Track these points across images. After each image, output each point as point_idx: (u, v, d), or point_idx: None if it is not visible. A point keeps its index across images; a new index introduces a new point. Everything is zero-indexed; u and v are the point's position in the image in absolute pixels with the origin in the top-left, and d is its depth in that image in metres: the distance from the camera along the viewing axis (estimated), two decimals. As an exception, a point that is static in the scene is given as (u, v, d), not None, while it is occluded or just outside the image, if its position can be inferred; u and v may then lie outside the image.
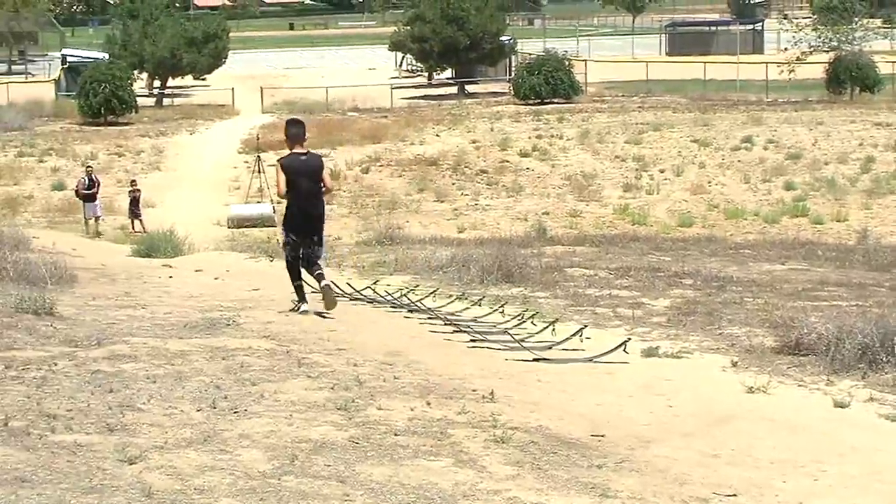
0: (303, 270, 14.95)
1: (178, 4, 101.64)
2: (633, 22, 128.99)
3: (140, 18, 69.91)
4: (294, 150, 14.88)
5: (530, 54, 69.03)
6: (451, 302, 16.27)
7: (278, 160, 15.40)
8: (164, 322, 13.46)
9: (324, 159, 15.87)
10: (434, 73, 75.92)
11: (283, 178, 14.70)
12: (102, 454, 7.74)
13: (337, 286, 17.59)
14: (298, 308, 14.74)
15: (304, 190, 14.67)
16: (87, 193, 36.69)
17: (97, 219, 36.51)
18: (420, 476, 7.73)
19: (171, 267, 20.98)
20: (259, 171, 39.41)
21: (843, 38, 60.72)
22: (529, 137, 49.98)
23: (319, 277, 14.71)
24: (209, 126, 57.20)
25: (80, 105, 57.93)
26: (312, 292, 15.39)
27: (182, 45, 67.54)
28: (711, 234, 32.37)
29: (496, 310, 15.42)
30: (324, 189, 14.97)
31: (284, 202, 15.17)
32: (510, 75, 69.37)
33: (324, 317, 14.56)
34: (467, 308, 15.80)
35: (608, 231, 34.59)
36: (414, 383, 10.63)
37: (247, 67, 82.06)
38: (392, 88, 66.04)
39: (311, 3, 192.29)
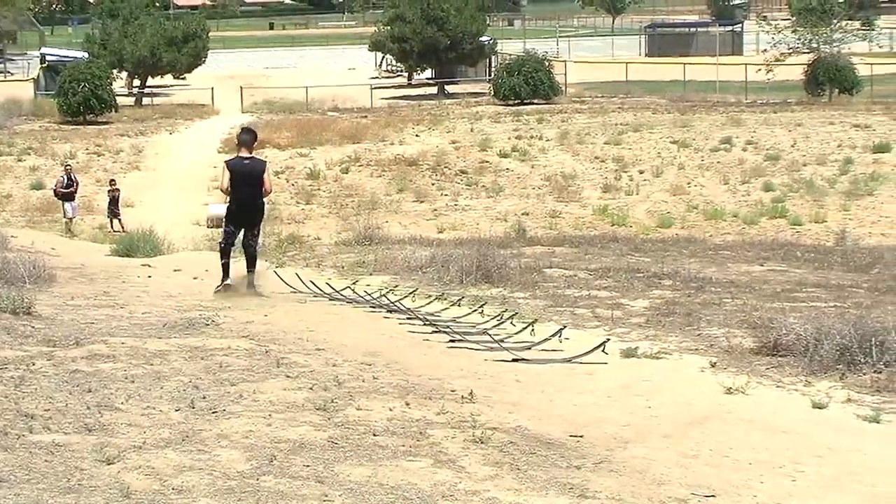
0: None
1: (157, 4, 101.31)
2: (613, 23, 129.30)
3: (120, 17, 69.65)
4: (240, 154, 17.16)
5: (510, 55, 69.08)
6: (431, 302, 16.27)
7: (224, 161, 17.98)
8: (143, 322, 13.45)
9: (268, 163, 17.93)
10: (414, 74, 75.92)
11: (226, 176, 17.00)
12: (80, 454, 7.72)
13: (316, 285, 17.73)
14: (220, 285, 16.81)
15: (244, 189, 16.83)
16: (66, 192, 36.60)
17: (71, 219, 36.39)
18: (399, 476, 7.73)
19: (150, 266, 20.96)
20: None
21: (822, 40, 60.91)
22: (509, 138, 50.00)
23: (249, 273, 16.99)
24: (189, 125, 57.05)
25: (59, 104, 57.73)
26: (290, 292, 15.48)
27: (162, 45, 67.32)
28: (690, 235, 32.43)
29: (475, 310, 15.43)
30: (264, 191, 17.03)
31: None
32: (490, 76, 69.38)
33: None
34: (446, 308, 15.80)
35: (587, 232, 34.62)
36: (393, 383, 10.62)
37: (227, 67, 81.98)
38: (372, 88, 66.02)
39: (291, 2, 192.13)
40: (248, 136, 17.40)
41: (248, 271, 17.04)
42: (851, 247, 28.39)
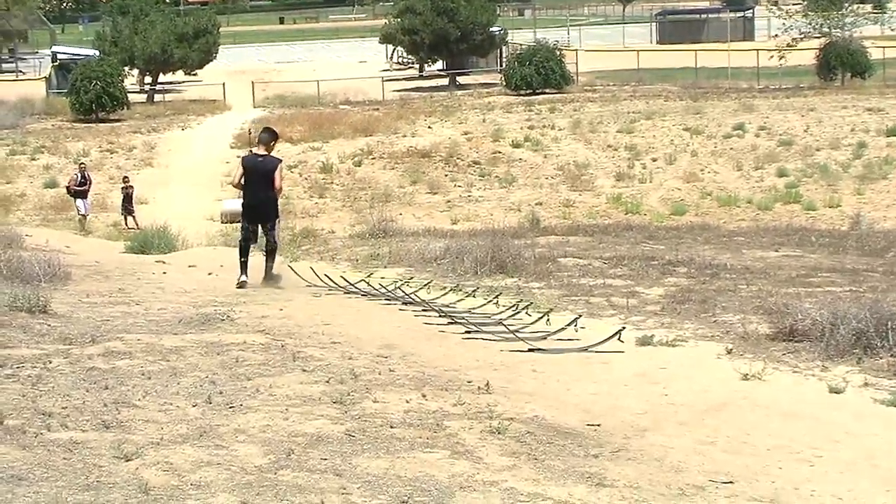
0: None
1: (167, 0, 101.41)
2: (624, 11, 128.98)
3: (130, 14, 69.69)
4: (256, 151, 17.83)
5: (521, 45, 68.99)
6: (446, 294, 16.28)
7: (240, 157, 18.93)
8: (159, 318, 13.47)
9: (282, 163, 18.17)
10: (425, 65, 75.85)
11: (239, 172, 17.75)
12: (98, 451, 7.74)
13: (331, 279, 17.75)
14: (238, 282, 17.22)
15: (254, 185, 17.43)
16: (79, 189, 36.71)
17: (84, 216, 36.49)
18: (416, 468, 7.74)
19: (164, 263, 20.98)
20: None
21: (834, 24, 60.79)
22: (521, 128, 49.98)
23: (268, 264, 17.62)
24: (201, 121, 57.12)
25: (71, 102, 57.81)
26: (305, 286, 15.51)
27: (172, 41, 67.33)
28: (705, 222, 32.41)
29: (490, 301, 15.42)
30: (275, 188, 17.46)
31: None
32: (501, 66, 69.30)
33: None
34: (462, 299, 15.80)
35: (601, 220, 34.63)
36: (409, 375, 10.63)
37: (238, 62, 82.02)
38: (383, 81, 65.99)
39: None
40: (265, 135, 17.90)
41: (266, 262, 17.63)
42: (866, 231, 28.35)
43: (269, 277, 17.55)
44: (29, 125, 56.11)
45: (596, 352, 12.23)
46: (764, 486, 8.09)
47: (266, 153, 17.55)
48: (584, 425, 9.30)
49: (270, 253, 17.68)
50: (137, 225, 35.20)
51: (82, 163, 39.98)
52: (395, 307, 15.44)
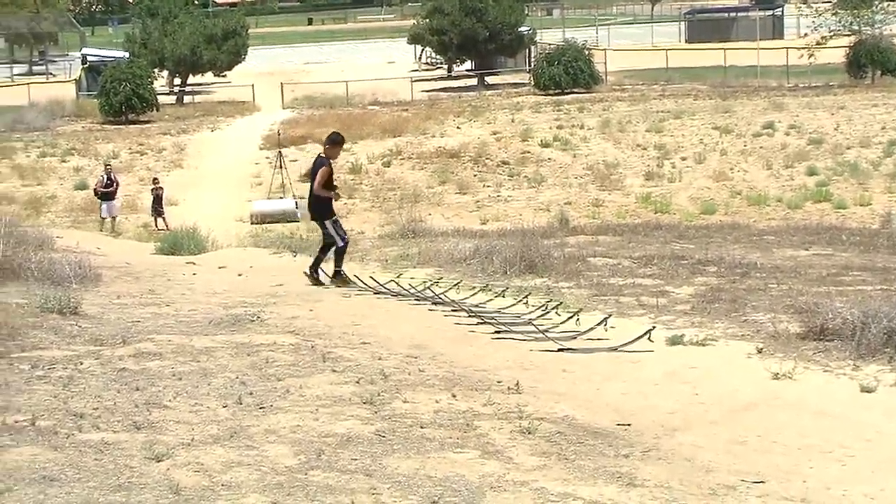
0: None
1: (196, 2, 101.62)
2: (652, 10, 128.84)
3: (159, 16, 69.82)
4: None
5: (550, 44, 68.91)
6: (475, 294, 16.26)
7: None
8: (189, 319, 13.50)
9: (327, 163, 18.08)
10: (453, 66, 75.84)
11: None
12: (130, 452, 7.77)
13: (361, 280, 17.75)
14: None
15: (310, 183, 18.21)
16: (105, 192, 36.82)
17: (114, 218, 36.62)
18: (447, 468, 7.74)
19: (194, 264, 21.04)
20: (281, 167, 39.60)
21: (863, 22, 60.53)
22: (550, 128, 49.92)
23: (315, 260, 18.11)
24: (230, 123, 57.27)
25: (101, 104, 57.98)
26: (327, 282, 15.53)
27: (202, 43, 67.46)
28: (734, 221, 32.26)
29: (520, 301, 15.40)
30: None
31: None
32: (530, 66, 69.24)
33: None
34: (491, 300, 15.78)
35: (631, 220, 34.53)
36: (439, 376, 10.63)
37: (267, 63, 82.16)
38: (412, 81, 66.01)
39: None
40: (329, 137, 18.58)
41: (318, 253, 18.30)
42: (897, 229, 28.15)
43: (313, 267, 17.98)
44: (59, 127, 56.39)
45: (626, 351, 12.21)
46: (795, 485, 8.06)
47: (321, 154, 18.34)
48: (615, 425, 9.29)
49: (323, 247, 18.25)
50: (167, 226, 35.30)
51: (108, 165, 40.08)
52: (425, 307, 15.45)
